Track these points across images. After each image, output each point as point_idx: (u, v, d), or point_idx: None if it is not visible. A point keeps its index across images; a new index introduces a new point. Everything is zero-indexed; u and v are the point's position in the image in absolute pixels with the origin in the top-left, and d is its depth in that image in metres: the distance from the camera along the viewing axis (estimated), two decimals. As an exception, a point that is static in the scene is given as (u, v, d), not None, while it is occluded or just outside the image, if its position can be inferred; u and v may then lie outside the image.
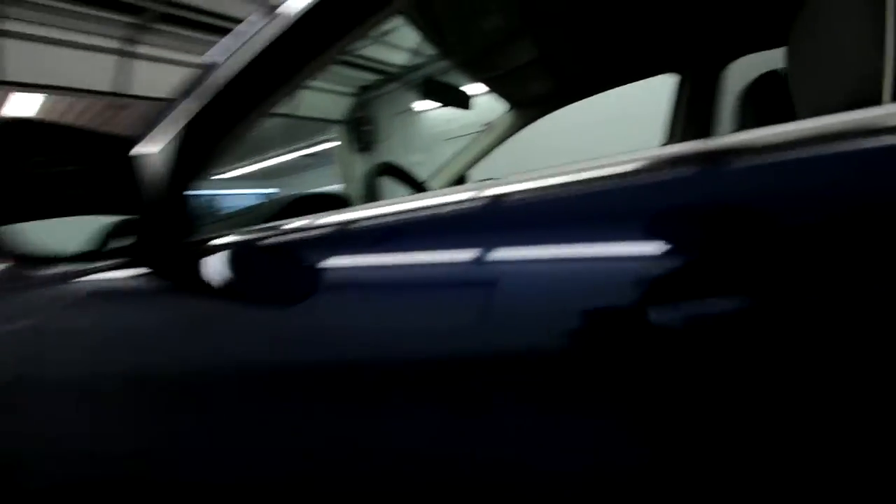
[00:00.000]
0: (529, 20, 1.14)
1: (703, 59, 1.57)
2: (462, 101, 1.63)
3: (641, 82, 1.63)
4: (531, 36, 1.20)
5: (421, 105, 4.93)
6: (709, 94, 1.61)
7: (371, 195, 0.88)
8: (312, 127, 5.36)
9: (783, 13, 1.27)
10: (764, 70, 1.26)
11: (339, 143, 5.53)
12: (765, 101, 1.24)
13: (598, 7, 1.14)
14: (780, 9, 1.25)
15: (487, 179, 0.52)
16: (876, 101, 0.51)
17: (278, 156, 7.12)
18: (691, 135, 1.67)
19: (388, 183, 1.11)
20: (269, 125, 5.18)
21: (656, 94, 1.81)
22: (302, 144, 6.57)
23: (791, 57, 0.70)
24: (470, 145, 1.81)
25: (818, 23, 0.61)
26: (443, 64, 4.02)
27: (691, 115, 1.66)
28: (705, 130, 1.65)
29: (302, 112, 4.70)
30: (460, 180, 1.83)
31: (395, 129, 5.33)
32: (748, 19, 1.31)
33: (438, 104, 1.66)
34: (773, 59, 1.35)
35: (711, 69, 1.59)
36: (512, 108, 1.74)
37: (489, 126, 1.80)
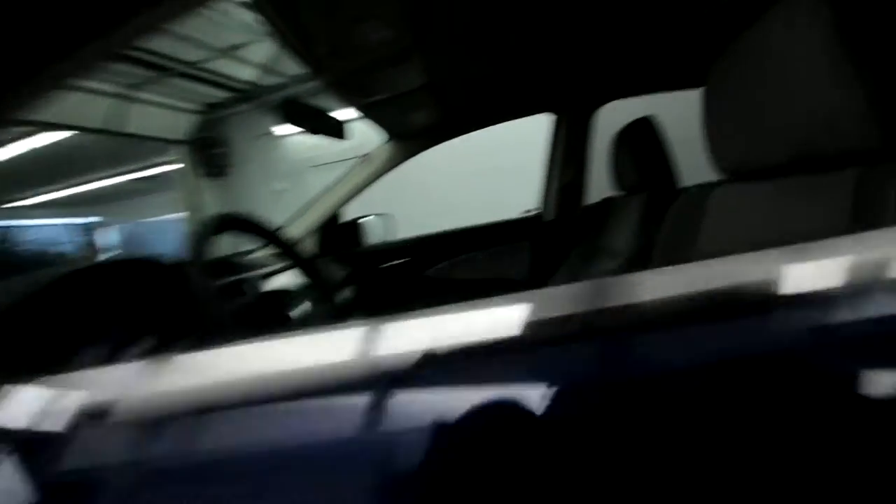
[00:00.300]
0: (414, 45, 1.00)
1: (578, 100, 1.65)
2: (332, 129, 1.43)
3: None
4: (416, 61, 1.08)
5: (288, 129, 4.49)
6: (582, 134, 1.70)
7: (201, 259, 0.58)
8: (144, 147, 4.51)
9: (657, 61, 1.37)
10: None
11: (181, 165, 4.75)
12: (636, 146, 1.31)
13: (484, 39, 1.08)
14: (654, 56, 1.33)
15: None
16: (824, 150, 0.48)
17: (100, 179, 5.89)
18: (568, 174, 1.74)
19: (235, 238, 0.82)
20: (83, 141, 4.21)
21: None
22: (132, 167, 5.52)
23: (711, 105, 0.64)
24: (342, 180, 1.62)
25: (757, 72, 0.54)
26: (312, 84, 3.73)
27: (567, 154, 1.73)
28: (580, 169, 1.74)
29: (132, 129, 3.92)
30: (332, 221, 1.65)
31: (254, 152, 4.79)
32: (622, 64, 1.38)
33: (302, 130, 1.40)
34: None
35: (585, 110, 1.68)
36: (391, 139, 1.60)
37: (366, 157, 1.63)
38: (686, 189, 0.87)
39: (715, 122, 0.64)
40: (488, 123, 1.67)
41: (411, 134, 1.61)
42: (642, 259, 1.14)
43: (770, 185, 0.56)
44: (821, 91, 0.45)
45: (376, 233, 1.84)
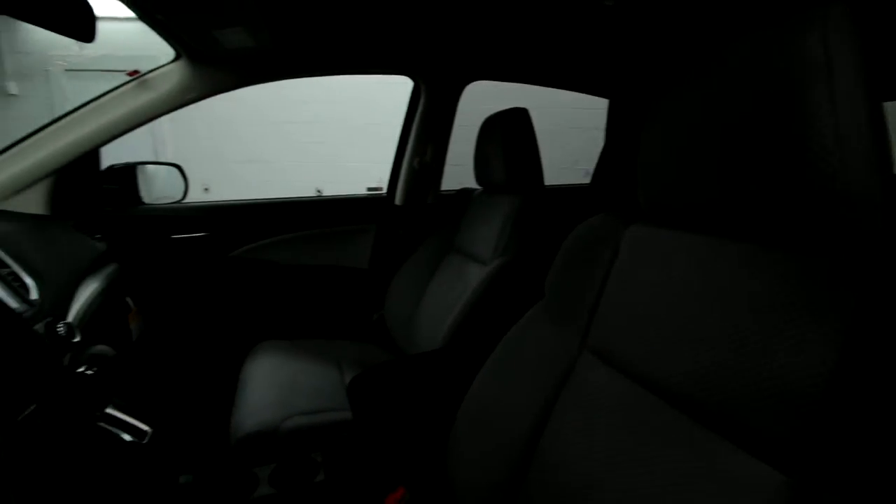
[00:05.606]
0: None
1: (443, 69, 1.48)
2: (68, 22, 0.74)
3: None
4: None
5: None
6: (447, 109, 1.54)
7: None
8: None
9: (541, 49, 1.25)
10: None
11: None
12: (507, 139, 1.21)
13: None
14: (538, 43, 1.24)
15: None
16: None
17: None
18: (426, 154, 1.56)
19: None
20: None
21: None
22: None
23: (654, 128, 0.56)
24: (102, 104, 1.10)
25: None
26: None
27: (427, 130, 1.56)
28: (441, 150, 1.58)
29: None
30: (86, 164, 1.16)
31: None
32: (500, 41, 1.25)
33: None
34: None
35: (452, 83, 1.52)
36: (184, 58, 1.14)
37: (139, 77, 1.12)
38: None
39: (654, 148, 0.54)
40: (332, 70, 1.34)
41: (219, 58, 1.16)
42: (512, 271, 1.09)
43: (709, 241, 0.49)
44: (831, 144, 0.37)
45: (159, 190, 1.41)
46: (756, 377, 0.41)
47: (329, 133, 4.05)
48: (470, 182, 1.44)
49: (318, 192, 3.84)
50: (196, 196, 1.46)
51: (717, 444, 0.42)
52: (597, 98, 1.61)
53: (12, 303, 0.73)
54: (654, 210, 0.57)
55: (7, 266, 0.80)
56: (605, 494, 0.49)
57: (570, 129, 3.90)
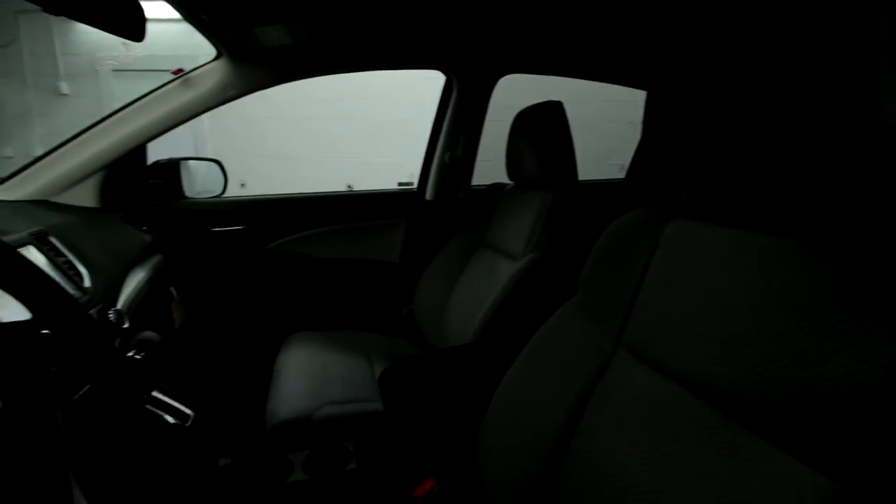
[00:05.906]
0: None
1: (475, 63, 1.49)
2: (119, 23, 0.75)
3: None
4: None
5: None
6: (480, 103, 1.53)
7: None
8: None
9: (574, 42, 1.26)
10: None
11: None
12: (540, 133, 1.21)
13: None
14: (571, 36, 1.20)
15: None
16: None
17: None
18: (458, 148, 1.56)
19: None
20: None
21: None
22: None
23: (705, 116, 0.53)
24: (147, 102, 1.16)
25: None
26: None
27: (459, 125, 1.54)
28: (472, 144, 1.57)
29: None
30: (132, 160, 1.21)
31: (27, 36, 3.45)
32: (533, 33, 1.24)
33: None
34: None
35: (484, 77, 1.50)
36: (225, 57, 1.19)
37: (183, 76, 1.18)
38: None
39: (701, 140, 0.52)
40: (367, 66, 1.37)
41: (258, 56, 1.20)
42: (543, 267, 1.08)
43: (756, 237, 0.47)
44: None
45: (200, 184, 1.46)
46: (805, 377, 0.39)
47: (356, 129, 4.13)
48: (499, 179, 1.44)
49: (349, 187, 3.93)
50: (233, 191, 1.51)
51: (760, 446, 0.40)
52: (631, 90, 1.57)
53: (69, 289, 0.78)
54: (698, 205, 0.54)
55: (63, 255, 0.86)
56: (640, 492, 0.48)
57: (604, 123, 3.82)
